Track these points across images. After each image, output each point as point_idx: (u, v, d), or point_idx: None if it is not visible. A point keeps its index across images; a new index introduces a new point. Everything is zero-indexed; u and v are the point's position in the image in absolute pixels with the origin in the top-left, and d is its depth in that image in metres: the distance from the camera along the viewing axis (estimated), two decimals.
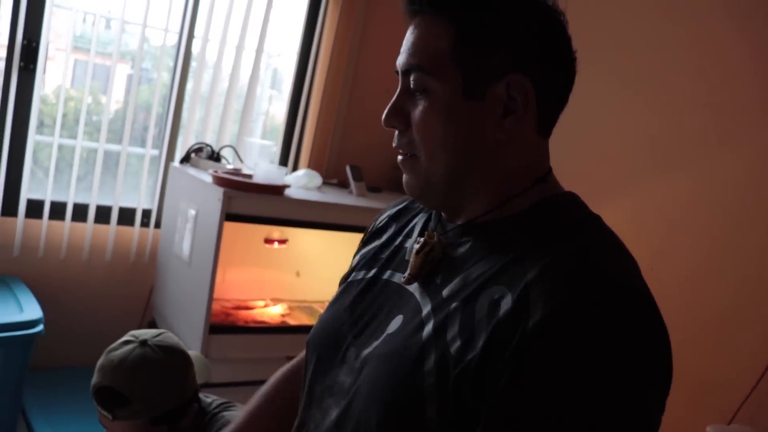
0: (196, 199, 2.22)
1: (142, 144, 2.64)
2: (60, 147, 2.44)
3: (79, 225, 2.50)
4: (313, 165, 2.83)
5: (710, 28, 2.04)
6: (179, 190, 2.43)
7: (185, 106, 2.65)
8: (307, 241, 2.60)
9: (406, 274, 0.81)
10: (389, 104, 0.80)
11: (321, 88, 2.81)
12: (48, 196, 2.41)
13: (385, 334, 0.78)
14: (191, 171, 2.37)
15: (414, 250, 0.81)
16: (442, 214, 0.85)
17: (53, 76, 2.50)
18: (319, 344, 0.87)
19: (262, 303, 2.52)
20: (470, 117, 0.75)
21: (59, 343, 2.41)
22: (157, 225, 2.64)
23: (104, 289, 2.59)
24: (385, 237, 0.94)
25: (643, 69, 2.22)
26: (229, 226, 2.06)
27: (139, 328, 1.40)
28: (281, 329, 2.35)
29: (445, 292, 0.74)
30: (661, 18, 2.19)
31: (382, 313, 0.82)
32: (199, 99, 2.67)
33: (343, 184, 2.79)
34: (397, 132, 0.80)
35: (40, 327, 2.02)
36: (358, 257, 0.96)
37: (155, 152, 2.66)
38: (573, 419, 0.61)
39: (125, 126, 2.52)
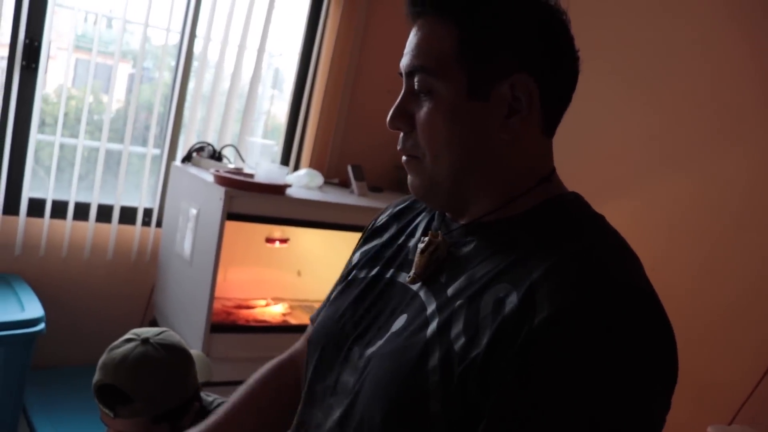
0: (198, 198, 2.22)
1: (144, 143, 2.64)
2: (61, 146, 2.44)
3: (80, 224, 2.51)
4: (314, 164, 2.83)
5: (713, 28, 2.04)
6: (181, 189, 2.43)
7: (187, 105, 2.65)
8: (308, 240, 2.60)
9: (411, 274, 0.81)
10: (393, 106, 0.80)
11: (322, 88, 2.82)
12: (49, 195, 2.41)
13: (389, 333, 0.78)
14: (193, 170, 2.37)
15: (419, 250, 0.81)
16: (446, 214, 0.86)
17: (55, 75, 2.50)
18: (320, 343, 0.87)
19: (263, 302, 2.52)
20: (475, 117, 0.75)
21: (60, 342, 2.41)
22: (159, 224, 2.64)
23: (105, 288, 2.59)
24: (386, 236, 0.94)
25: (645, 68, 2.22)
26: (231, 226, 2.06)
27: (141, 327, 1.40)
28: (282, 328, 2.35)
29: (449, 291, 0.75)
30: (663, 17, 2.19)
31: (386, 312, 0.82)
32: (201, 98, 2.67)
33: (344, 184, 2.79)
34: (402, 134, 0.80)
35: (42, 326, 2.02)
36: (358, 255, 0.96)
37: (157, 151, 2.66)
38: (576, 417, 0.61)
39: (127, 125, 2.52)
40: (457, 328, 0.70)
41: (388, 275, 0.87)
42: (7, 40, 2.29)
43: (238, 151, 2.68)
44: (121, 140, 2.55)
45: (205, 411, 1.34)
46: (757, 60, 1.92)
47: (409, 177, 0.82)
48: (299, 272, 2.64)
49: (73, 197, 2.46)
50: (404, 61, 0.79)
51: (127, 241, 2.61)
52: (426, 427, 0.68)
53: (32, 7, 2.28)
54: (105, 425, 1.30)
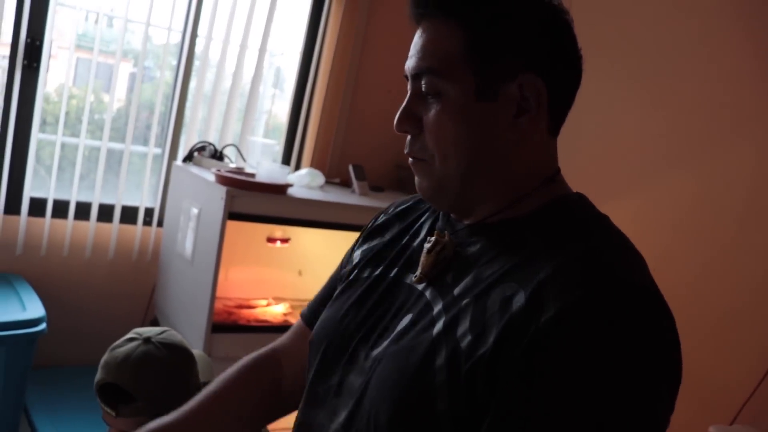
0: (199, 197, 2.22)
1: (145, 143, 2.64)
2: (63, 145, 2.44)
3: (81, 223, 2.51)
4: (315, 164, 2.83)
5: (716, 26, 2.03)
6: (182, 188, 2.43)
7: (188, 104, 2.65)
8: (309, 240, 2.60)
9: (417, 273, 0.81)
10: (400, 109, 0.79)
11: (324, 88, 2.82)
12: (51, 194, 2.41)
13: (394, 333, 0.78)
14: (194, 170, 2.37)
15: (425, 250, 0.81)
16: (450, 214, 0.86)
17: (56, 74, 2.50)
18: (322, 344, 0.86)
19: (264, 302, 2.52)
20: (484, 118, 0.75)
21: (61, 342, 2.41)
22: (160, 224, 2.64)
23: (106, 288, 2.59)
24: (389, 236, 0.94)
25: (648, 68, 2.22)
26: (232, 225, 2.06)
27: (142, 326, 1.40)
28: (283, 328, 2.32)
29: (456, 291, 0.75)
30: (666, 16, 2.19)
31: (390, 312, 0.81)
32: (202, 98, 2.67)
33: (345, 184, 2.79)
34: (409, 137, 0.80)
35: (43, 325, 2.02)
36: (359, 254, 0.96)
37: (158, 151, 2.66)
38: (581, 416, 0.61)
39: (128, 124, 2.52)
40: (464, 326, 0.70)
41: (391, 275, 0.86)
42: (9, 39, 2.29)
43: (239, 151, 2.68)
44: (122, 139, 2.55)
45: None
46: (759, 59, 1.92)
47: (416, 179, 0.82)
48: (300, 272, 2.64)
49: (74, 197, 2.46)
50: (410, 64, 0.78)
51: (129, 241, 2.61)
52: (432, 426, 0.68)
53: (34, 7, 2.28)
54: (107, 424, 1.30)
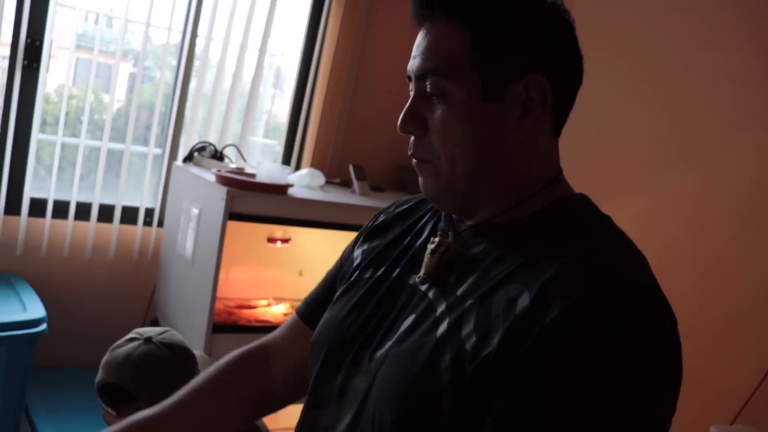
0: (199, 198, 2.22)
1: (145, 143, 2.64)
2: (63, 145, 2.44)
3: (81, 224, 2.51)
4: (315, 164, 2.83)
5: (720, 25, 2.03)
6: (182, 189, 2.43)
7: (188, 105, 2.65)
8: (309, 240, 2.60)
9: (420, 274, 0.81)
10: (404, 110, 0.79)
11: (324, 87, 2.81)
12: (51, 194, 2.41)
13: (397, 334, 0.77)
14: (194, 170, 2.37)
15: (429, 250, 0.81)
16: (452, 215, 0.85)
17: (55, 74, 2.50)
18: (324, 345, 0.86)
19: (264, 302, 2.52)
20: (490, 118, 0.75)
21: (62, 342, 2.41)
22: (160, 224, 2.64)
23: (107, 288, 2.59)
24: (390, 236, 0.94)
25: (650, 67, 2.22)
26: (232, 225, 2.06)
27: (142, 327, 1.40)
28: None
29: (459, 291, 0.75)
30: (670, 14, 2.18)
31: (393, 313, 0.81)
32: (202, 98, 2.67)
33: (346, 184, 2.79)
34: (413, 138, 0.80)
35: (44, 326, 2.02)
36: (359, 254, 0.95)
37: (158, 151, 2.66)
38: (584, 416, 0.61)
39: (128, 125, 2.52)
40: (468, 327, 0.70)
41: (393, 275, 0.86)
42: (9, 39, 2.28)
43: (239, 151, 2.68)
44: (122, 140, 2.55)
45: None
46: (764, 58, 1.91)
47: (420, 180, 0.82)
48: (301, 272, 2.64)
49: (74, 197, 2.46)
50: (414, 64, 0.78)
51: (129, 241, 2.61)
52: (437, 427, 0.68)
53: (34, 7, 2.28)
54: (108, 425, 1.30)
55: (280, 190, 2.19)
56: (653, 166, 2.20)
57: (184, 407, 0.94)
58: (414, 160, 0.81)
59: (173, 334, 1.34)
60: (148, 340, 1.29)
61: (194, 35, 2.59)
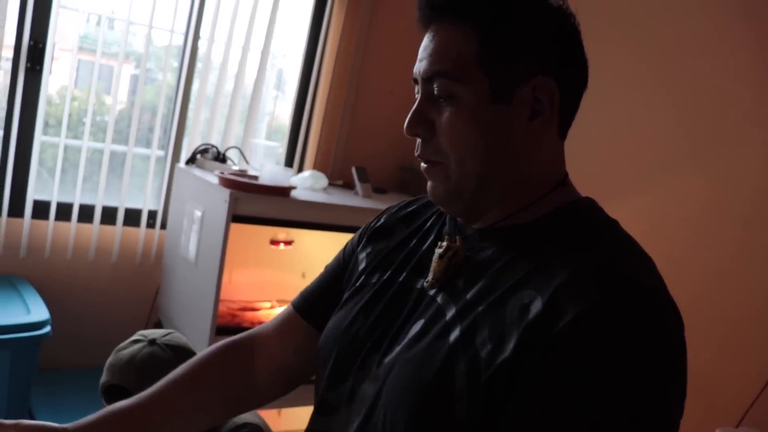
0: (202, 200, 2.22)
1: (148, 145, 2.64)
2: (65, 147, 2.44)
3: (85, 226, 2.51)
4: (318, 166, 2.83)
5: (727, 27, 2.03)
6: (185, 191, 2.43)
7: (191, 107, 2.65)
8: (312, 242, 2.60)
9: (429, 279, 0.80)
10: (411, 113, 0.79)
11: (326, 89, 2.81)
12: (54, 197, 2.41)
13: (407, 339, 0.77)
14: (197, 172, 2.37)
15: (437, 255, 0.81)
16: (458, 219, 0.85)
17: (58, 76, 2.50)
18: (333, 351, 0.85)
19: (268, 304, 2.52)
20: (498, 121, 0.75)
21: (66, 344, 2.41)
22: (163, 226, 2.64)
23: (110, 291, 2.59)
24: (395, 240, 0.93)
25: (657, 67, 2.21)
26: (235, 228, 2.06)
27: (145, 329, 1.40)
28: None
29: (469, 296, 0.74)
30: (678, 13, 2.17)
31: (401, 318, 0.81)
32: (205, 100, 2.67)
33: (348, 186, 2.79)
34: (420, 140, 0.80)
35: (48, 328, 2.02)
36: (364, 257, 0.95)
37: (161, 153, 2.66)
38: (598, 416, 0.61)
39: (131, 127, 2.53)
40: (483, 335, 0.69)
41: (400, 279, 0.86)
42: (12, 42, 2.29)
43: (242, 153, 2.68)
44: (125, 142, 2.55)
45: None
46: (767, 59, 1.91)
47: (429, 184, 0.82)
48: (304, 274, 2.64)
49: (77, 199, 2.46)
50: (421, 67, 0.78)
51: (132, 243, 2.61)
52: (450, 431, 0.68)
53: (36, 9, 2.28)
54: None
55: (283, 192, 2.19)
56: (660, 168, 2.19)
57: (160, 400, 0.93)
58: (423, 164, 0.81)
59: (177, 336, 1.34)
60: (152, 341, 1.29)
61: (196, 37, 2.59)
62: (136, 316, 2.64)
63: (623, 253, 0.72)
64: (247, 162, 2.67)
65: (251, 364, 0.99)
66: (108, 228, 2.55)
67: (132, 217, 2.59)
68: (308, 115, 2.86)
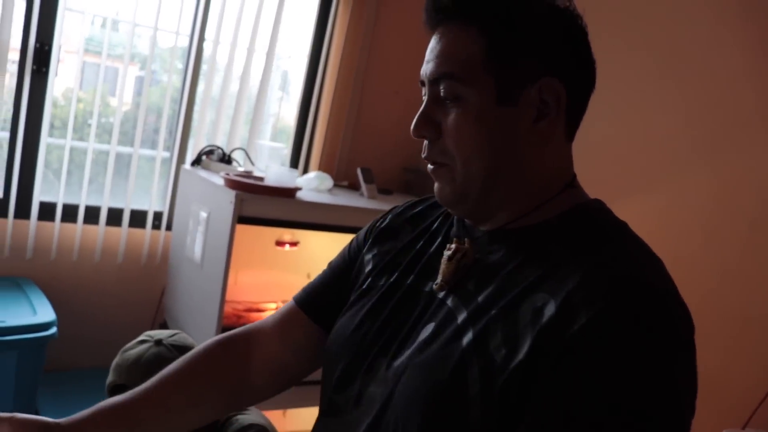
0: (208, 201, 2.23)
1: (153, 146, 2.65)
2: (71, 149, 2.45)
3: (91, 227, 2.51)
4: (323, 167, 2.83)
5: (734, 26, 2.02)
6: (190, 192, 2.43)
7: (196, 108, 2.66)
8: (318, 243, 2.60)
9: (438, 281, 0.80)
10: (417, 115, 0.79)
11: (331, 91, 2.82)
12: (60, 198, 2.42)
13: (417, 342, 0.77)
14: (202, 173, 2.37)
15: (446, 257, 0.80)
16: (465, 220, 0.85)
17: (63, 78, 2.51)
18: (341, 354, 0.85)
19: (273, 305, 2.52)
20: (504, 122, 0.75)
21: (72, 345, 2.42)
22: (169, 227, 2.64)
23: (116, 292, 2.60)
24: (401, 242, 0.92)
25: (664, 66, 2.20)
26: (241, 229, 2.06)
27: (151, 330, 1.40)
28: None
29: (480, 299, 0.74)
30: (684, 16, 2.17)
31: (410, 321, 0.81)
32: (210, 101, 2.68)
33: (353, 187, 2.79)
34: (426, 142, 0.80)
35: (54, 329, 2.02)
36: (370, 259, 0.94)
37: (166, 154, 2.66)
38: (613, 419, 0.61)
39: (136, 128, 2.53)
40: (497, 339, 0.69)
41: (408, 282, 0.85)
42: (18, 44, 2.30)
43: (247, 154, 2.68)
44: (130, 143, 2.56)
45: None
46: None
47: (436, 185, 0.81)
48: (309, 275, 2.63)
49: (83, 201, 2.46)
50: (428, 69, 0.78)
51: (138, 245, 2.62)
52: None
53: (42, 12, 2.29)
54: None
55: (289, 193, 2.19)
56: (667, 168, 2.18)
57: (153, 395, 0.92)
58: (429, 165, 0.81)
59: (184, 337, 1.34)
60: (158, 342, 1.29)
61: (201, 39, 2.60)
62: (142, 317, 2.65)
63: (633, 255, 0.72)
64: (252, 163, 2.67)
65: (247, 358, 0.98)
66: (114, 229, 2.56)
67: (138, 218, 2.60)
68: (313, 116, 2.86)
